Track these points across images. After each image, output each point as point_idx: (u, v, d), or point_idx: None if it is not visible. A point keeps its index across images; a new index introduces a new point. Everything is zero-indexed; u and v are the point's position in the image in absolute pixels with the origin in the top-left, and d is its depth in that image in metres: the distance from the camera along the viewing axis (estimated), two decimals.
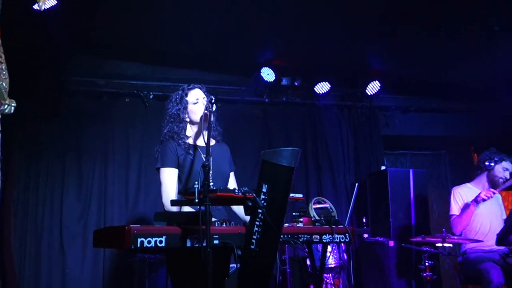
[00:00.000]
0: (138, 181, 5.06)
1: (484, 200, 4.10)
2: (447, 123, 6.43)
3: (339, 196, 5.71)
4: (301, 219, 2.68)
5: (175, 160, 2.74)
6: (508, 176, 4.27)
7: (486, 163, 4.34)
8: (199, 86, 2.92)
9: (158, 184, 2.76)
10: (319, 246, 3.66)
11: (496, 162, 4.30)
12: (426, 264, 3.86)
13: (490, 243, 4.11)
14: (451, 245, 3.99)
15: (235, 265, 2.51)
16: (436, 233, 4.05)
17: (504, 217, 4.26)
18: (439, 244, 3.87)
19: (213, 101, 2.52)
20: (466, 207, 4.17)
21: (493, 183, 4.36)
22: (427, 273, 3.84)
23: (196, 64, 5.32)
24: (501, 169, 4.28)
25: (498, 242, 3.82)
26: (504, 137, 5.97)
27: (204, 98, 2.85)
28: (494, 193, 4.09)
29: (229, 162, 2.99)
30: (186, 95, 2.86)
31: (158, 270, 4.26)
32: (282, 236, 2.34)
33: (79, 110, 5.04)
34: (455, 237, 3.97)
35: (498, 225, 4.08)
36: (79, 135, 4.99)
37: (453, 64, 5.33)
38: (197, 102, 2.83)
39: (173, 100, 2.88)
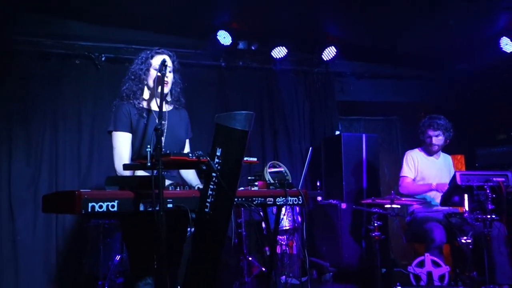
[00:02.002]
0: (91, 146, 4.93)
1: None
2: (399, 90, 6.59)
3: (294, 160, 5.81)
4: (256, 183, 2.72)
5: (128, 124, 2.68)
6: (436, 142, 4.45)
7: (420, 137, 4.55)
8: (169, 53, 2.83)
9: (110, 148, 2.71)
10: (274, 210, 3.73)
11: (422, 135, 4.51)
12: (375, 224, 4.01)
13: (435, 202, 4.34)
14: (399, 206, 4.16)
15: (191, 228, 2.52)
16: (386, 195, 4.21)
17: None
18: (388, 206, 4.04)
19: (165, 63, 2.48)
20: (428, 187, 4.35)
21: (430, 151, 4.55)
22: (376, 233, 3.99)
23: (151, 26, 5.13)
24: (426, 140, 4.51)
25: (442, 203, 4.03)
26: (452, 102, 6.23)
27: (170, 66, 2.76)
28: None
29: (186, 128, 2.96)
30: (152, 57, 2.76)
31: (113, 235, 4.24)
32: (236, 199, 2.37)
33: (25, 71, 4.78)
34: (403, 199, 4.15)
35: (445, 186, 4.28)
36: (26, 98, 4.75)
37: (406, 31, 5.42)
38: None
39: (139, 58, 2.81)
